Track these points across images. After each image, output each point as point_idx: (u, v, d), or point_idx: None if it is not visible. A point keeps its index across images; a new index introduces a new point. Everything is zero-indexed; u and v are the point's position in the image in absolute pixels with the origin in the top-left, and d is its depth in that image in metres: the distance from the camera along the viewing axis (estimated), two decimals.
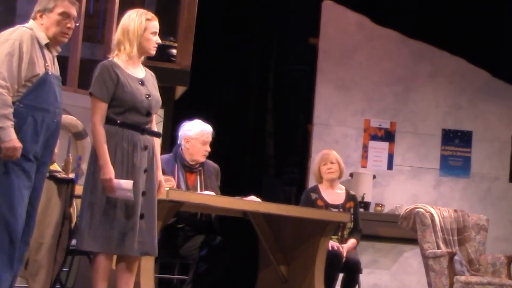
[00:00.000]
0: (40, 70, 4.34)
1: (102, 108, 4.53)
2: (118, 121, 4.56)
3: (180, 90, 7.94)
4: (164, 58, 7.36)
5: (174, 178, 5.87)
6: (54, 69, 4.47)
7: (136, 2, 7.81)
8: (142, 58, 4.73)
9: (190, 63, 7.50)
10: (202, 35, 8.04)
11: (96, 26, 8.41)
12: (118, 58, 4.63)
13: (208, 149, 5.99)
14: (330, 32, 9.14)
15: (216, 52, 9.62)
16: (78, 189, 4.80)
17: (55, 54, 4.50)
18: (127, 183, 4.48)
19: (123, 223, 4.49)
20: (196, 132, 5.98)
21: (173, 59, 7.51)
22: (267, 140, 10.22)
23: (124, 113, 4.57)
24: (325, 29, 9.15)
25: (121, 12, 7.17)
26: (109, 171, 4.45)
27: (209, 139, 6.00)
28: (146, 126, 4.66)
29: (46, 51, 4.42)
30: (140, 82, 4.64)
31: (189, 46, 7.51)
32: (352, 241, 6.64)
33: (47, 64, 4.38)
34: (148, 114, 4.65)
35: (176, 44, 7.53)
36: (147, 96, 4.63)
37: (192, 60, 7.51)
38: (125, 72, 4.60)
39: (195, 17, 7.56)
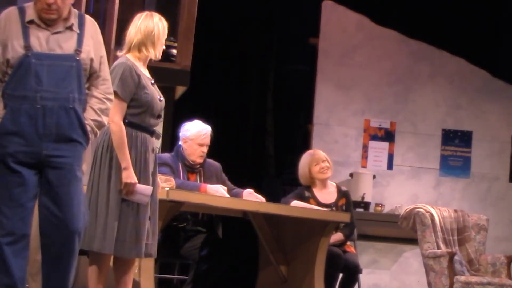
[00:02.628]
0: (14, 53, 3.93)
1: (123, 108, 4.49)
2: (133, 123, 4.52)
3: (180, 90, 7.94)
4: (164, 58, 7.35)
5: (179, 176, 5.88)
6: (52, 48, 3.99)
7: (136, 2, 7.81)
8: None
9: (190, 63, 7.50)
10: (202, 35, 8.04)
11: None
12: (133, 58, 4.61)
13: (205, 150, 5.99)
14: (330, 32, 9.14)
15: (216, 52, 9.62)
16: None
17: (61, 29, 4.02)
18: (147, 189, 4.48)
19: (136, 226, 4.48)
20: (193, 133, 5.99)
21: (173, 59, 7.51)
22: (267, 140, 10.22)
23: (139, 115, 4.54)
24: (325, 29, 9.15)
25: (121, 12, 7.20)
26: (133, 175, 4.42)
27: (206, 140, 5.99)
28: (155, 128, 4.66)
29: (34, 29, 3.99)
30: (151, 82, 4.64)
31: (189, 46, 7.51)
32: (338, 235, 6.61)
33: (27, 45, 3.94)
34: (159, 116, 4.66)
35: (176, 44, 7.53)
36: (160, 98, 4.64)
37: (192, 60, 7.51)
38: (142, 73, 4.59)
39: (195, 17, 7.56)
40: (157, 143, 4.82)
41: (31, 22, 3.98)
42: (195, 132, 5.99)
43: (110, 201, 4.43)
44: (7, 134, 3.90)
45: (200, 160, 5.99)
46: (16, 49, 3.93)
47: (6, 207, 3.88)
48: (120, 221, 4.43)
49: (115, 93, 4.44)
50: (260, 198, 5.92)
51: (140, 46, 4.59)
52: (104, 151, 4.50)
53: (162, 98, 4.67)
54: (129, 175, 4.41)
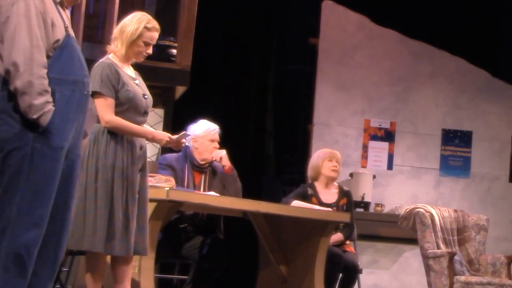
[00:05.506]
0: (61, 33, 3.58)
1: (111, 104, 4.51)
2: None
3: (180, 90, 7.93)
4: (164, 58, 7.36)
5: (184, 176, 5.89)
6: (72, 31, 3.71)
7: (136, 2, 7.81)
8: (133, 60, 4.71)
9: (190, 63, 7.49)
10: (202, 35, 8.04)
11: (96, 26, 8.40)
12: (114, 55, 4.63)
13: (217, 146, 6.02)
14: (330, 32, 9.14)
15: (216, 52, 9.62)
16: None
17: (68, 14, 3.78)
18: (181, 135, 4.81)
19: (124, 224, 4.49)
20: (203, 131, 6.03)
21: (173, 59, 7.51)
22: (267, 140, 10.22)
23: (123, 112, 4.57)
24: (325, 29, 9.15)
25: (121, 12, 7.19)
26: (162, 135, 4.69)
27: (216, 136, 6.04)
28: (143, 125, 4.68)
29: (61, 9, 3.68)
30: (135, 82, 4.66)
31: (189, 46, 7.51)
32: (337, 235, 6.61)
33: (67, 25, 3.63)
34: (145, 113, 4.67)
35: (176, 44, 7.53)
36: (144, 95, 4.65)
37: (192, 60, 7.51)
38: (122, 71, 4.60)
39: (195, 17, 7.55)
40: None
41: (60, 2, 3.69)
42: (205, 129, 6.04)
43: (98, 200, 4.45)
44: (62, 123, 3.55)
45: (211, 157, 6.01)
46: (61, 29, 3.59)
47: (46, 214, 3.54)
48: (109, 219, 4.44)
49: (99, 93, 4.49)
50: (226, 162, 6.02)
51: (114, 40, 4.63)
52: (90, 150, 4.51)
53: (147, 96, 4.68)
54: (161, 137, 4.67)
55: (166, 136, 4.65)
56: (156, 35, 4.65)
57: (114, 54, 4.63)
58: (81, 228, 4.44)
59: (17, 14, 3.49)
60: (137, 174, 4.58)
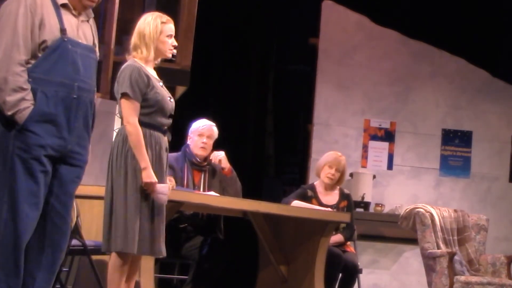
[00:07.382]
0: (51, 35, 3.64)
1: (136, 108, 4.52)
2: (145, 122, 4.55)
3: (180, 90, 7.93)
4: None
5: (183, 176, 5.91)
6: (80, 36, 3.77)
7: (136, 2, 7.81)
8: (158, 60, 4.72)
9: (190, 63, 7.50)
10: (202, 35, 8.04)
11: (96, 26, 8.40)
12: (139, 60, 4.63)
13: (205, 141, 6.01)
14: (330, 32, 9.14)
15: (216, 52, 9.63)
16: (79, 190, 4.77)
17: (85, 19, 3.84)
18: (164, 187, 4.50)
19: (154, 225, 4.52)
20: (194, 127, 6.10)
21: (173, 59, 7.51)
22: (267, 140, 10.23)
23: (150, 114, 4.57)
24: (325, 29, 9.15)
25: (121, 12, 7.19)
26: (152, 174, 4.44)
27: (204, 130, 6.04)
28: (166, 128, 4.70)
29: (65, 13, 3.73)
30: (160, 84, 4.68)
31: (189, 46, 7.51)
32: (337, 236, 6.63)
33: (64, 28, 3.68)
34: (171, 116, 4.69)
35: (176, 44, 7.53)
36: (169, 98, 4.67)
37: (192, 60, 7.51)
38: (150, 74, 4.62)
39: (195, 17, 7.56)
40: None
41: (64, 5, 3.74)
42: (195, 126, 6.09)
43: (128, 202, 4.45)
44: (42, 122, 3.61)
45: (201, 152, 6.01)
46: (53, 31, 3.65)
47: (29, 209, 3.59)
48: (141, 221, 4.46)
49: (126, 95, 4.51)
50: (226, 164, 6.01)
51: (136, 48, 4.64)
52: (119, 152, 4.52)
53: (172, 100, 4.71)
54: (149, 175, 4.45)
55: (153, 179, 4.44)
56: (172, 26, 4.71)
57: (138, 58, 4.62)
58: (111, 229, 4.46)
59: (8, 12, 3.62)
60: (165, 175, 4.61)
